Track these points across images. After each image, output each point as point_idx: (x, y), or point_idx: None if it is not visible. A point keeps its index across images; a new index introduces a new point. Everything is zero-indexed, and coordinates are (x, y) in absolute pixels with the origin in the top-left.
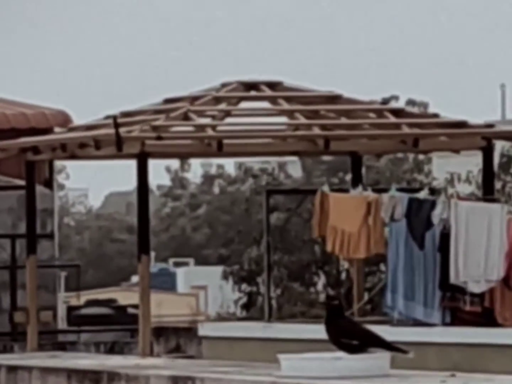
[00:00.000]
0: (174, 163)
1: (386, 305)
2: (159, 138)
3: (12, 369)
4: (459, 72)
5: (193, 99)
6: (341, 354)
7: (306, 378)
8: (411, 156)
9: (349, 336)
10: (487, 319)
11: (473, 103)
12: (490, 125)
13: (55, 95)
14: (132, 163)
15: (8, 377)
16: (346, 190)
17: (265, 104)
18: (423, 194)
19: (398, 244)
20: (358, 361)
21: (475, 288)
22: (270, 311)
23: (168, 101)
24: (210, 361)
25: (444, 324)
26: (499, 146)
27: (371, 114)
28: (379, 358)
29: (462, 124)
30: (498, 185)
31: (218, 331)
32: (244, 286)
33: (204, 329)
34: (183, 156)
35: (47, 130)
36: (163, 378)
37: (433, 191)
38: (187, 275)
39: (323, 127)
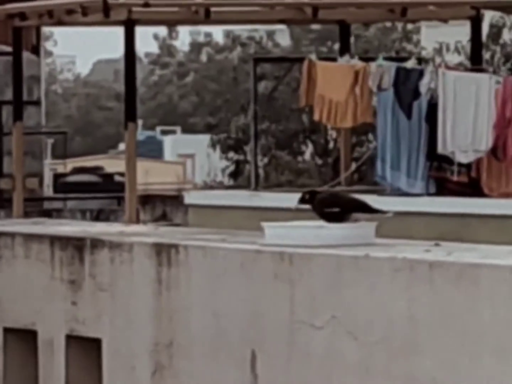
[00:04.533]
0: (162, 31)
1: (377, 175)
2: (146, 5)
3: None
4: None
5: None
6: (325, 223)
7: (290, 246)
8: (399, 25)
9: (331, 205)
10: (473, 189)
11: None
12: None
13: None
14: (120, 30)
15: None
16: (334, 59)
17: None
18: (410, 64)
19: (386, 113)
20: (342, 229)
21: (463, 158)
22: (257, 179)
23: None
24: (194, 229)
25: (429, 194)
26: (489, 16)
27: None
28: (363, 227)
29: None
30: (487, 55)
31: (204, 200)
32: (231, 155)
33: (190, 197)
34: (171, 24)
35: None
36: (147, 245)
37: (421, 61)
38: (174, 143)
39: None
